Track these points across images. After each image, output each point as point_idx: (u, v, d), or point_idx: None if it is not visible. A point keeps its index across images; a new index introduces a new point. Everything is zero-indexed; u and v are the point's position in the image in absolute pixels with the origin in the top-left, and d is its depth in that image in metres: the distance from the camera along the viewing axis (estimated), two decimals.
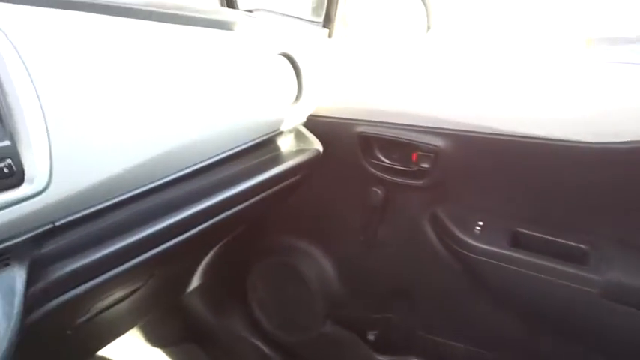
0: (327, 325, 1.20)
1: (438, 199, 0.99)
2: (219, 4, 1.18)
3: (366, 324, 1.18)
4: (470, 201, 0.97)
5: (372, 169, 1.02)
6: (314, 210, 1.14)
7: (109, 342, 1.12)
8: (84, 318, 0.82)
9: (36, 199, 0.53)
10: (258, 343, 1.30)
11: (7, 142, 0.50)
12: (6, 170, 0.50)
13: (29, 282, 0.56)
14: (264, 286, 1.28)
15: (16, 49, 0.52)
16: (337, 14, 1.08)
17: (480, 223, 0.94)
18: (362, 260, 1.13)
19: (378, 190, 1.03)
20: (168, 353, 1.34)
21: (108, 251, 0.63)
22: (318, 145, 1.02)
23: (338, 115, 1.03)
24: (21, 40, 0.54)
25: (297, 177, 1.01)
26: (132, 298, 0.95)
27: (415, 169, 0.97)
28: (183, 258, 0.99)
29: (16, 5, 0.56)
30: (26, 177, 0.51)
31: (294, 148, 1.02)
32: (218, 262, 1.19)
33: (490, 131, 0.87)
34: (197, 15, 0.82)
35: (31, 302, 0.57)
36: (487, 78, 0.90)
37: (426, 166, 0.95)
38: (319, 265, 1.18)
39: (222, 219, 0.85)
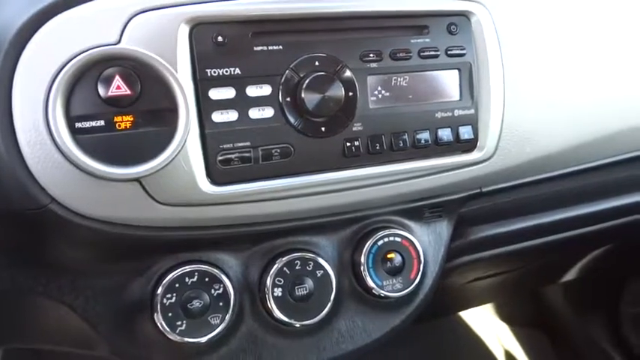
0: None
1: None
2: None
3: None
4: None
5: None
6: None
7: (463, 309, 1.18)
8: (463, 281, 0.87)
9: (479, 166, 0.57)
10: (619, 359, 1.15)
11: (472, 111, 0.55)
12: (466, 136, 0.55)
13: (453, 236, 0.63)
14: None
15: (494, 23, 0.55)
16: None
17: None
18: None
19: None
20: (512, 331, 1.33)
21: (523, 226, 0.64)
22: None
23: None
24: (497, 11, 0.55)
25: None
26: (503, 275, 0.96)
27: None
28: (571, 251, 0.94)
29: None
30: (479, 144, 0.56)
31: None
32: (594, 264, 1.08)
33: None
34: None
35: (450, 254, 0.63)
36: None
37: None
38: None
39: (627, 221, 0.75)
